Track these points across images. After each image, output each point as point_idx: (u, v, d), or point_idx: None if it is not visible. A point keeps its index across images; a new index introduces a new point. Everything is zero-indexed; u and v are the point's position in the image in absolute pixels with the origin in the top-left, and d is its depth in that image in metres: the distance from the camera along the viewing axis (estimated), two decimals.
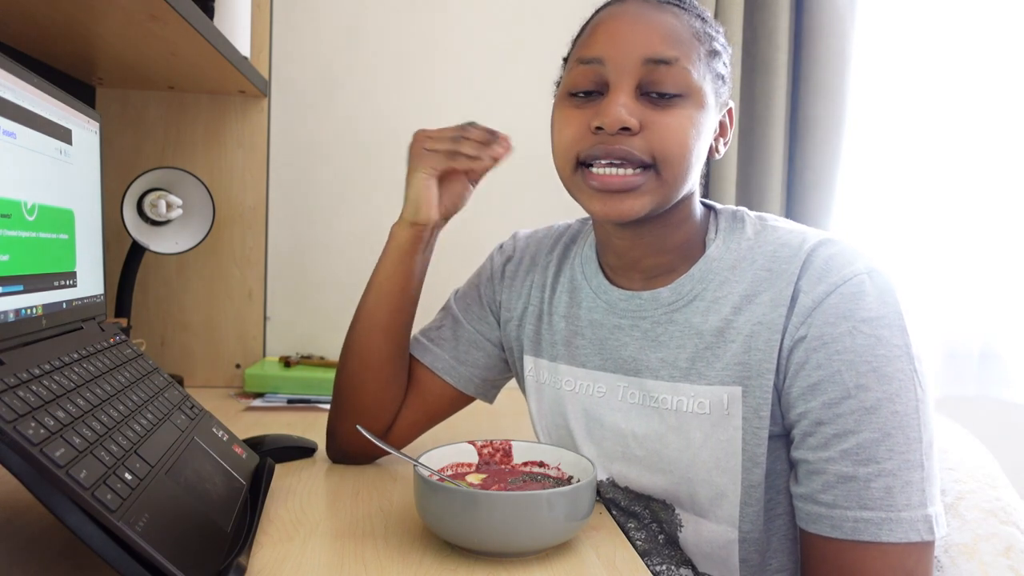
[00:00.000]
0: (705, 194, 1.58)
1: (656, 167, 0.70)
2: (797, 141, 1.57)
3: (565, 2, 1.54)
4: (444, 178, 0.86)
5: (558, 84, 0.78)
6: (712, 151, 0.77)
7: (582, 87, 0.72)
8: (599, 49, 0.72)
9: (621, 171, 0.70)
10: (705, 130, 0.72)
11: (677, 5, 0.73)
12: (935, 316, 1.63)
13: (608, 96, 0.70)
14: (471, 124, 0.84)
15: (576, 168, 0.73)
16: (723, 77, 0.75)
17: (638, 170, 0.70)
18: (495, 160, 0.83)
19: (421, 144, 0.84)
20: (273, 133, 1.50)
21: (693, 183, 0.75)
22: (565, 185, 0.76)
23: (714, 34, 0.74)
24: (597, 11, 0.76)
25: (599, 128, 0.69)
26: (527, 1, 1.57)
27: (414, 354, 0.93)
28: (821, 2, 1.51)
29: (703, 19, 0.74)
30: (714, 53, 0.73)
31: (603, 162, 0.70)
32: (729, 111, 0.78)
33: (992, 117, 1.62)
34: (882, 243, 1.61)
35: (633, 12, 0.72)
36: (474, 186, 0.89)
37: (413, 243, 0.86)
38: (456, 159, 0.83)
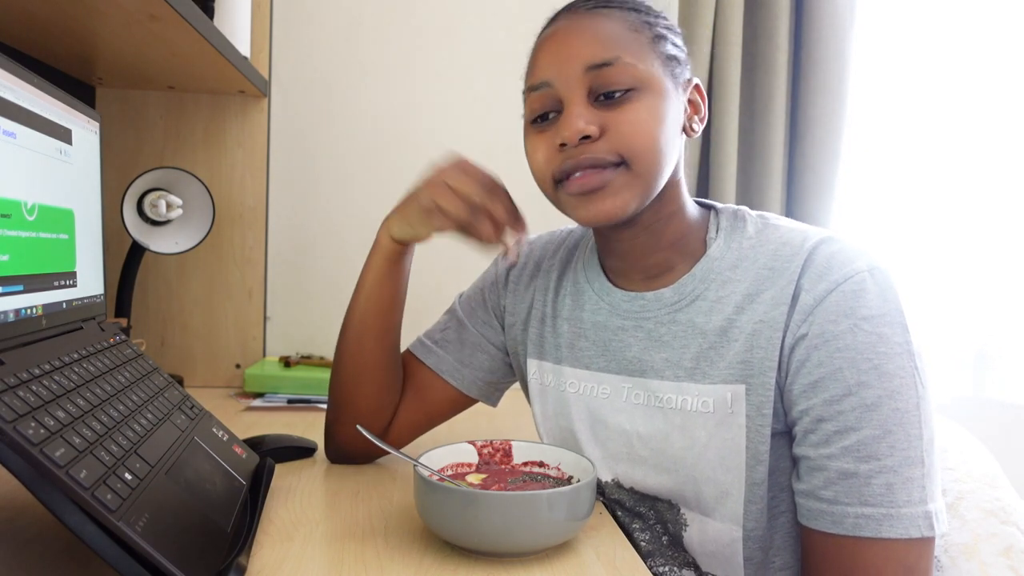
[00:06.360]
0: (705, 194, 1.58)
1: (626, 163, 0.70)
2: (797, 141, 1.57)
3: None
4: None
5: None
6: (687, 131, 0.77)
7: (539, 112, 0.74)
8: (543, 73, 0.74)
9: (593, 171, 0.71)
10: (669, 116, 0.72)
11: (605, 6, 0.74)
12: (935, 316, 1.64)
13: (564, 112, 0.72)
14: (500, 191, 0.78)
15: (555, 187, 0.74)
16: (676, 58, 0.75)
17: (609, 168, 0.71)
18: (502, 243, 0.79)
19: (439, 194, 0.77)
20: (273, 133, 1.50)
21: (672, 170, 0.75)
22: (553, 205, 0.77)
23: (653, 20, 0.75)
24: (536, 41, 0.78)
25: (563, 144, 0.71)
26: (528, 2, 1.57)
27: (418, 356, 0.93)
28: (821, 2, 1.51)
29: (637, 10, 0.75)
30: (659, 38, 0.74)
31: (576, 174, 0.72)
32: (697, 87, 0.78)
33: (992, 117, 1.62)
34: (882, 243, 1.61)
35: (564, 28, 0.74)
36: None
37: (400, 253, 0.86)
38: (468, 231, 0.78)
